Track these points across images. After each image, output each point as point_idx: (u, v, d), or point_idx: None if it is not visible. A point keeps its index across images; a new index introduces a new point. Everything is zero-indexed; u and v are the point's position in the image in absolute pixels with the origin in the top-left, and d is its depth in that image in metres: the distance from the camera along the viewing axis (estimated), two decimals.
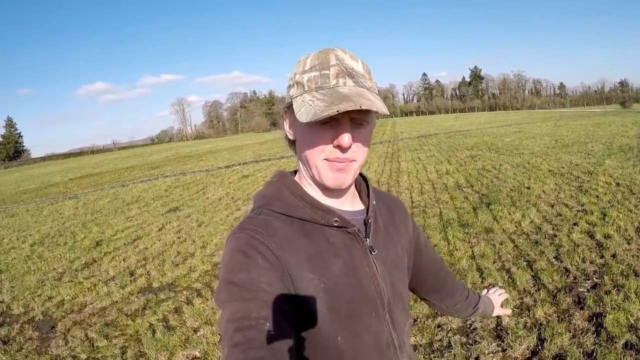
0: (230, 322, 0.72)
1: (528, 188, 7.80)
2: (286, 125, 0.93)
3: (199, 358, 3.29)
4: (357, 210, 0.96)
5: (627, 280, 3.79)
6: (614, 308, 3.37)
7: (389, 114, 0.80)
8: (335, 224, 0.87)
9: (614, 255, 4.40)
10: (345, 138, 0.79)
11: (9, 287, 5.52)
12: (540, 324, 3.30)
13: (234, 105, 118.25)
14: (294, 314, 0.78)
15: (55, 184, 21.08)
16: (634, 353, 2.82)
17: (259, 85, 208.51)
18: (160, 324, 3.96)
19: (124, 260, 6.06)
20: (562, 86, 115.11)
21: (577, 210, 6.10)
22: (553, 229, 5.42)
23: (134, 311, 4.31)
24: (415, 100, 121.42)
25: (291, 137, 0.92)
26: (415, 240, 1.10)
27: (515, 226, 5.69)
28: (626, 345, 2.92)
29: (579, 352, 2.89)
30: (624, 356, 2.79)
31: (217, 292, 0.78)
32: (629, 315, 3.24)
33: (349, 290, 0.85)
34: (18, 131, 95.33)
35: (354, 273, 0.86)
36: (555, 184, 7.99)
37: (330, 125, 0.80)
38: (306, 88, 0.81)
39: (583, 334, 3.10)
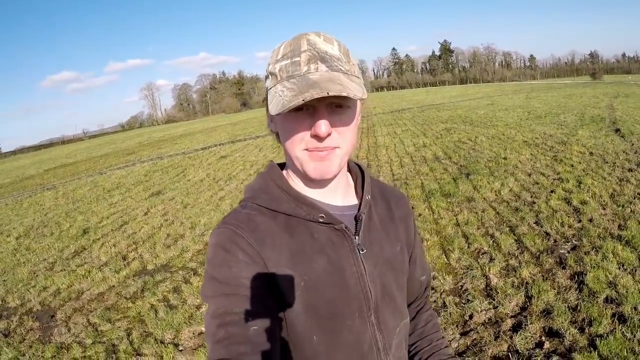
0: (214, 318, 0.74)
1: (505, 158, 8.06)
2: (268, 119, 0.90)
3: (204, 333, 3.38)
4: (349, 205, 0.92)
5: (604, 242, 4.04)
6: (594, 267, 3.60)
7: (365, 97, 0.77)
8: (321, 220, 0.84)
9: (590, 220, 4.65)
10: (322, 127, 0.75)
11: (1, 281, 5.46)
12: (527, 283, 3.52)
13: (204, 87, 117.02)
14: (276, 308, 0.78)
15: (31, 177, 20.49)
16: (614, 306, 3.05)
17: (227, 66, 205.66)
18: (162, 304, 4.03)
19: (114, 245, 6.05)
20: (532, 58, 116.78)
21: (554, 179, 6.37)
22: (532, 197, 5.66)
23: (133, 294, 4.36)
24: (385, 76, 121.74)
25: (273, 130, 0.89)
26: (414, 243, 1.04)
27: (495, 194, 5.92)
28: (607, 300, 3.15)
29: (564, 306, 3.11)
30: (605, 309, 3.01)
31: (202, 287, 0.80)
32: (607, 273, 3.48)
33: (331, 289, 0.82)
34: None
35: (339, 272, 0.83)
36: (531, 154, 8.27)
37: (308, 113, 0.77)
38: (279, 78, 0.79)
39: (567, 291, 3.32)
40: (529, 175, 6.75)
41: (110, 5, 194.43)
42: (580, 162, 7.13)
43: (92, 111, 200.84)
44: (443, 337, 1.10)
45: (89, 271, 5.17)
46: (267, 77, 0.83)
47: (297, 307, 0.79)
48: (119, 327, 3.75)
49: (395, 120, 18.48)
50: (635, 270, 3.50)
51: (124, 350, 3.34)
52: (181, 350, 3.24)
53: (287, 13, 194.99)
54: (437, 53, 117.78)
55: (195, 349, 3.23)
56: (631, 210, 4.80)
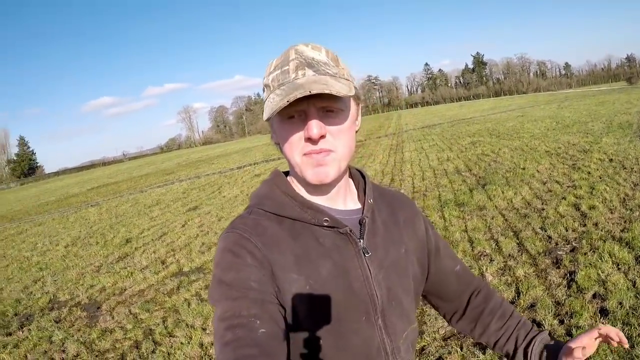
0: (221, 321, 0.73)
1: (523, 169, 8.26)
2: (271, 131, 0.92)
3: (213, 336, 3.89)
4: (352, 210, 0.94)
5: (604, 243, 4.23)
6: (587, 266, 3.84)
7: (352, 94, 0.80)
8: (326, 224, 0.86)
9: (596, 224, 4.84)
10: (314, 128, 0.78)
11: (52, 281, 6.20)
12: (520, 280, 3.82)
13: (240, 109, 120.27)
14: (283, 312, 0.79)
15: (75, 195, 22.04)
16: (599, 301, 3.31)
17: (261, 88, 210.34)
18: (194, 298, 4.59)
19: (154, 252, 6.72)
20: (567, 66, 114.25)
21: (568, 186, 6.55)
22: (542, 204, 5.89)
23: (170, 290, 4.95)
24: (419, 91, 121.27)
25: (275, 141, 0.91)
26: (427, 244, 1.04)
27: (507, 203, 6.18)
28: (594, 296, 3.40)
29: (551, 301, 3.40)
30: (589, 304, 3.27)
31: (210, 290, 0.80)
32: (600, 272, 3.71)
33: (337, 293, 0.83)
34: (31, 149, 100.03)
35: (344, 275, 0.85)
36: (550, 163, 8.43)
37: (300, 119, 0.80)
38: (271, 88, 0.82)
39: (556, 287, 3.61)
40: (544, 183, 6.96)
41: (147, 33, 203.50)
42: (597, 169, 7.25)
43: (131, 134, 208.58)
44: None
45: (132, 273, 5.83)
46: (263, 90, 0.87)
47: (302, 310, 0.80)
48: (156, 315, 4.33)
49: (425, 136, 18.75)
50: (629, 269, 3.69)
51: (160, 333, 3.91)
52: (208, 333, 3.75)
53: (319, 34, 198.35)
54: (471, 66, 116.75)
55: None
56: (639, 214, 4.93)
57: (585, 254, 4.12)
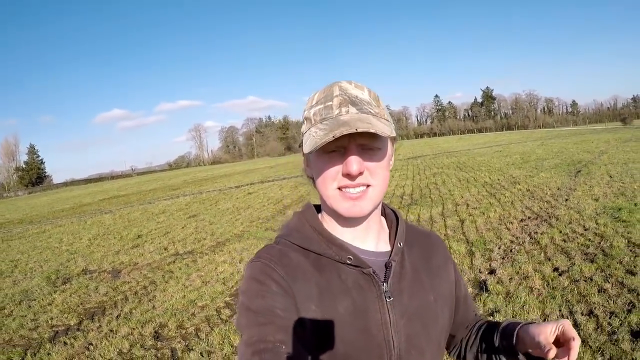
0: (248, 346, 0.75)
1: (452, 195, 10.22)
2: (304, 164, 0.94)
3: (203, 275, 6.21)
4: (382, 252, 0.93)
5: (456, 243, 6.35)
6: None
7: (394, 135, 0.84)
8: (349, 262, 0.86)
9: (464, 233, 6.74)
10: (354, 164, 0.79)
11: (82, 260, 8.54)
12: None
13: (250, 130, 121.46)
14: (306, 337, 0.80)
15: (88, 204, 24.25)
16: None
17: (274, 110, 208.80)
18: (185, 266, 6.94)
19: (159, 243, 9.13)
20: (574, 104, 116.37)
21: (473, 208, 8.37)
22: (441, 219, 7.87)
23: (169, 262, 7.29)
24: (428, 122, 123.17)
25: (309, 175, 0.93)
26: (456, 291, 1.03)
27: (416, 217, 8.24)
28: None
29: None
30: None
31: (237, 318, 0.82)
32: None
33: (351, 332, 0.83)
34: (40, 157, 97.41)
35: (362, 316, 0.84)
36: (478, 191, 10.27)
37: (339, 154, 0.82)
38: (313, 122, 0.84)
39: None
40: (457, 205, 8.84)
41: (162, 48, 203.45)
42: (509, 197, 8.96)
43: (141, 149, 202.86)
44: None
45: (142, 254, 8.22)
46: (302, 123, 0.90)
47: (313, 341, 0.81)
48: (158, 274, 6.66)
49: (404, 166, 20.30)
50: (453, 255, 5.66)
51: (159, 282, 6.24)
52: (188, 282, 6.04)
53: (335, 61, 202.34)
54: (480, 100, 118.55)
55: (193, 282, 6.03)
56: (507, 228, 6.65)
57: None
